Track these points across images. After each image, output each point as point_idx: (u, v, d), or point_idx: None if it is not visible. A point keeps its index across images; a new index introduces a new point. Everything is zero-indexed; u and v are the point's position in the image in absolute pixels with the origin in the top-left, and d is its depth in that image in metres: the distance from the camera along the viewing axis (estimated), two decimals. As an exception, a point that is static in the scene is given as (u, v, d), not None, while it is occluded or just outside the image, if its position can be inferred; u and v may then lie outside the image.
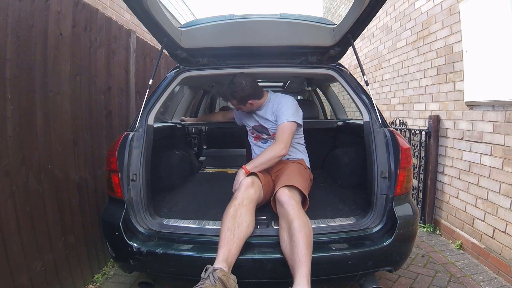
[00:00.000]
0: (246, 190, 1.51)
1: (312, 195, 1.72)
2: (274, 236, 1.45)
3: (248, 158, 2.33)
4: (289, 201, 1.42)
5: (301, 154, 2.04)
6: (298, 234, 1.28)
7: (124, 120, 2.48)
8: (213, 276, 1.14)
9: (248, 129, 2.18)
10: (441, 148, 2.71)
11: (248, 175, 1.64)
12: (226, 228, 1.33)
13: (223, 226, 1.35)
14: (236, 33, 1.81)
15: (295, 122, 1.83)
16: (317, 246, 1.35)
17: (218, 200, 1.86)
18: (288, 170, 1.76)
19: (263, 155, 1.73)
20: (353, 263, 1.40)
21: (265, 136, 2.04)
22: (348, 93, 1.85)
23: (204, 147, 3.52)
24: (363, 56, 4.52)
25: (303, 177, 1.75)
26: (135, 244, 1.42)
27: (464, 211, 2.41)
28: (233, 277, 1.22)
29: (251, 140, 2.16)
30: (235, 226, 1.35)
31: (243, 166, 1.69)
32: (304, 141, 2.10)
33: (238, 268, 1.30)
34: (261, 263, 1.38)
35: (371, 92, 1.78)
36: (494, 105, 2.09)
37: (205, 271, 1.18)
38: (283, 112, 1.84)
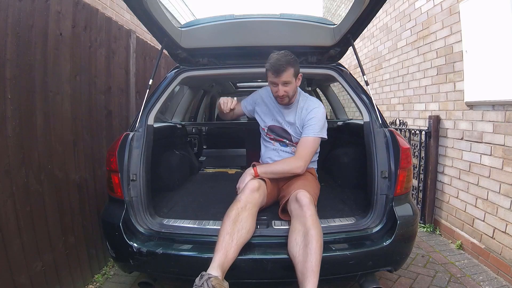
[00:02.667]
0: (251, 194, 1.47)
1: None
2: (274, 236, 1.45)
3: (248, 158, 2.32)
4: (309, 206, 1.40)
5: (312, 163, 1.92)
6: (316, 244, 1.27)
7: (124, 120, 2.47)
8: (207, 284, 1.13)
9: (262, 127, 1.94)
10: (441, 148, 2.71)
11: (255, 178, 1.59)
12: (225, 232, 1.30)
13: (223, 229, 1.32)
14: (236, 33, 1.81)
15: (321, 137, 1.75)
16: None
17: (218, 200, 1.86)
18: (303, 177, 1.73)
19: (279, 165, 1.68)
20: (353, 263, 1.40)
21: (286, 141, 1.87)
22: (348, 93, 1.85)
23: (204, 147, 3.52)
24: (363, 56, 4.52)
25: (314, 188, 1.71)
26: (135, 244, 1.42)
27: (464, 211, 2.41)
28: (226, 284, 1.20)
29: (265, 138, 1.94)
30: (235, 231, 1.31)
31: (254, 167, 1.64)
32: (319, 149, 1.90)
33: (237, 268, 1.30)
34: (261, 263, 1.37)
35: (371, 92, 1.78)
36: (494, 105, 2.09)
37: (200, 278, 1.16)
38: (312, 124, 1.72)
